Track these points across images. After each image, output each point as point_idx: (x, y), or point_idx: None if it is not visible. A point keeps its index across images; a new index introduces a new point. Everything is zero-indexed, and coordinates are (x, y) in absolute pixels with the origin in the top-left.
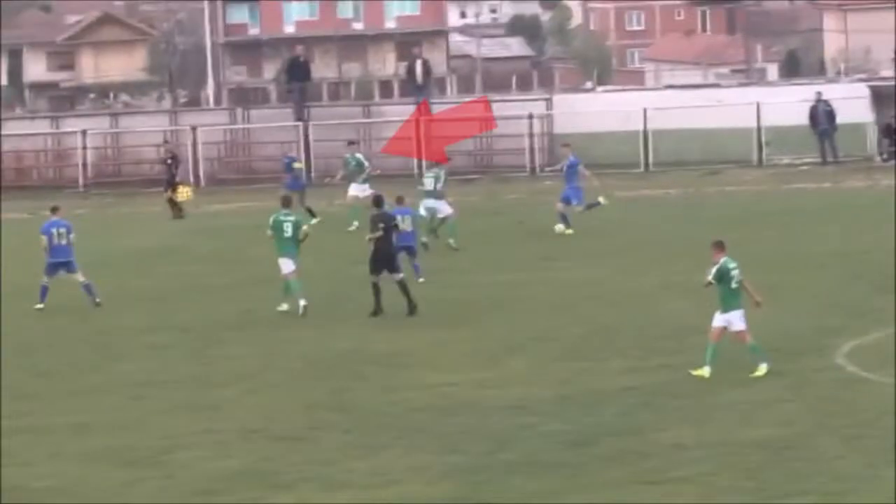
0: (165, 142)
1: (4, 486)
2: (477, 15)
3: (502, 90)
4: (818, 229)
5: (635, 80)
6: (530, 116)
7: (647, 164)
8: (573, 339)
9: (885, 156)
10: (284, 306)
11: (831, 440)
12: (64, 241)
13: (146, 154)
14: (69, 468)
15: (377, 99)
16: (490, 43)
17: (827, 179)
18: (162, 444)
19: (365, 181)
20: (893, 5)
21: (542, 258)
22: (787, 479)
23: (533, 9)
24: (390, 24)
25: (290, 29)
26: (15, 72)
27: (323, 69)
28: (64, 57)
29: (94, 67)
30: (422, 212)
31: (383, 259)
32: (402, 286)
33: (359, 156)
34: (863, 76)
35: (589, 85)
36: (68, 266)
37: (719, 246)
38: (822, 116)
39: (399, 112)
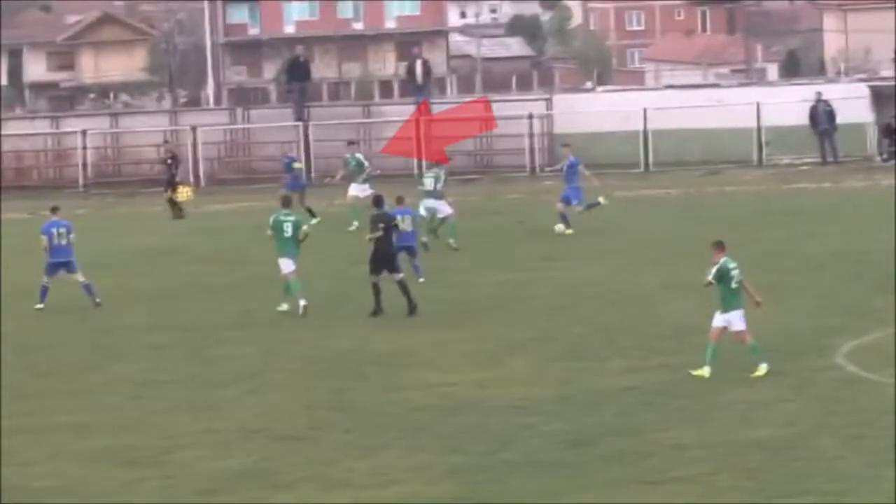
0: (165, 142)
1: (4, 487)
2: (477, 15)
3: (502, 90)
4: (818, 229)
5: (635, 80)
6: (530, 116)
7: (647, 165)
8: (573, 339)
9: (885, 156)
10: (284, 306)
11: (831, 440)
12: (64, 242)
13: (146, 154)
14: (69, 468)
15: (377, 99)
16: (490, 43)
17: (827, 179)
18: (162, 444)
19: (365, 181)
20: (893, 5)
21: (543, 258)
22: (787, 479)
23: (533, 9)
24: (390, 24)
25: (290, 29)
26: (15, 72)
27: (323, 69)
28: (64, 57)
29: (94, 67)
30: (422, 212)
31: (383, 259)
32: (402, 286)
33: (359, 156)
34: (863, 76)
35: (589, 85)
36: (68, 266)
37: (719, 246)
38: (822, 116)
39: (399, 112)
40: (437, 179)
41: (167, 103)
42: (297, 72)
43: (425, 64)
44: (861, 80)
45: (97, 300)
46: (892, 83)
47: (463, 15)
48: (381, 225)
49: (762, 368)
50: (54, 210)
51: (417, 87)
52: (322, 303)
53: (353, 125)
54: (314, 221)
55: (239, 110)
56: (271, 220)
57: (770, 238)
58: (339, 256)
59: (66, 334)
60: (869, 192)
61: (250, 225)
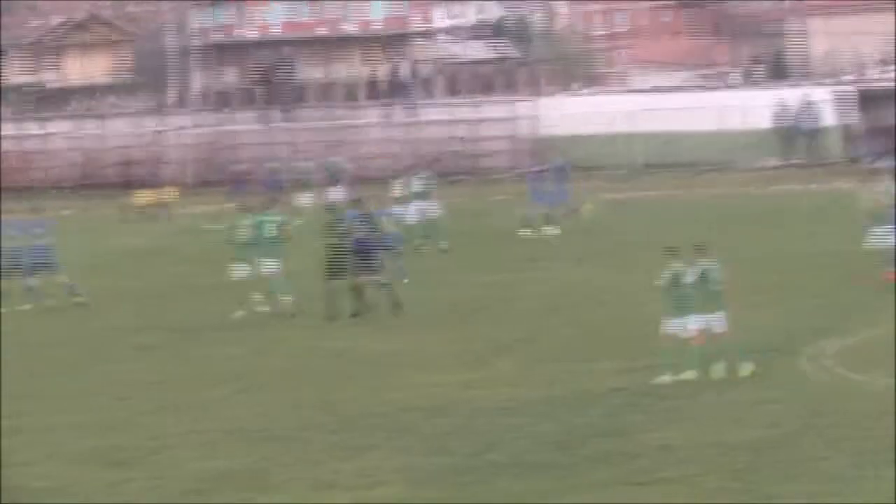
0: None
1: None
2: (463, 16)
3: (488, 92)
4: (804, 230)
5: (620, 82)
6: (516, 118)
7: (632, 166)
8: (560, 339)
9: (870, 158)
10: (266, 307)
11: (817, 441)
12: (44, 242)
13: (132, 155)
14: (58, 469)
15: (363, 101)
16: (476, 44)
17: (811, 181)
18: (150, 444)
19: (343, 185)
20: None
21: (530, 259)
22: (773, 480)
23: (519, 10)
24: (377, 26)
25: (276, 30)
26: None
27: (309, 71)
28: (47, 58)
29: (78, 68)
30: (411, 214)
31: (363, 261)
32: (383, 287)
33: (338, 160)
34: (847, 79)
35: (574, 87)
36: (49, 266)
37: (699, 249)
38: (806, 119)
39: (384, 114)
40: (424, 182)
41: (152, 105)
42: (283, 73)
43: (412, 66)
44: (846, 82)
45: (80, 299)
46: (878, 86)
47: (449, 17)
48: (362, 227)
49: (689, 374)
50: (34, 211)
51: (403, 89)
52: (310, 303)
53: (338, 127)
54: (298, 222)
55: (224, 112)
56: (255, 220)
57: (756, 240)
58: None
59: (54, 335)
60: (855, 194)
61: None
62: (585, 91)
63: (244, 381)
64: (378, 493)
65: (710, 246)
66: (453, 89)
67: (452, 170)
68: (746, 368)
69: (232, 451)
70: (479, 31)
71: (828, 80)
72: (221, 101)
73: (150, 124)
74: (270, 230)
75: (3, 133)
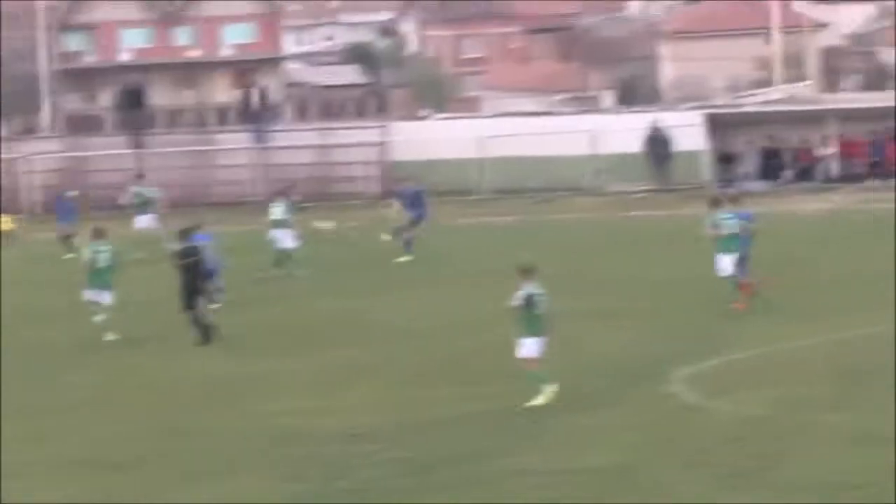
0: None
1: None
2: (313, 42)
3: (339, 118)
4: (655, 256)
5: (471, 107)
6: (366, 144)
7: (483, 192)
8: (412, 365)
9: (720, 183)
10: (111, 335)
11: (670, 467)
12: None
13: None
14: None
15: (213, 126)
16: (326, 70)
17: (662, 207)
18: None
19: (152, 213)
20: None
21: (382, 285)
22: None
23: (369, 36)
24: (226, 52)
25: (125, 57)
26: None
27: (158, 97)
28: None
29: None
30: (273, 240)
31: (190, 291)
32: (199, 318)
33: (146, 189)
34: (697, 104)
35: (425, 113)
36: None
37: (526, 272)
38: (657, 144)
39: (235, 140)
40: (283, 209)
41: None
42: (132, 100)
43: (261, 92)
44: (695, 108)
45: None
46: (727, 111)
47: (299, 43)
48: (187, 258)
49: (538, 400)
50: None
51: (253, 115)
52: (162, 330)
53: (188, 153)
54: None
55: (74, 138)
56: (87, 251)
57: (606, 265)
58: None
59: None
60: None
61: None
62: (438, 116)
63: (95, 408)
64: None
65: (538, 270)
66: (305, 115)
67: (304, 196)
68: (540, 398)
69: (79, 480)
70: (331, 58)
71: (680, 106)
72: (73, 126)
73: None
74: (105, 259)
75: None
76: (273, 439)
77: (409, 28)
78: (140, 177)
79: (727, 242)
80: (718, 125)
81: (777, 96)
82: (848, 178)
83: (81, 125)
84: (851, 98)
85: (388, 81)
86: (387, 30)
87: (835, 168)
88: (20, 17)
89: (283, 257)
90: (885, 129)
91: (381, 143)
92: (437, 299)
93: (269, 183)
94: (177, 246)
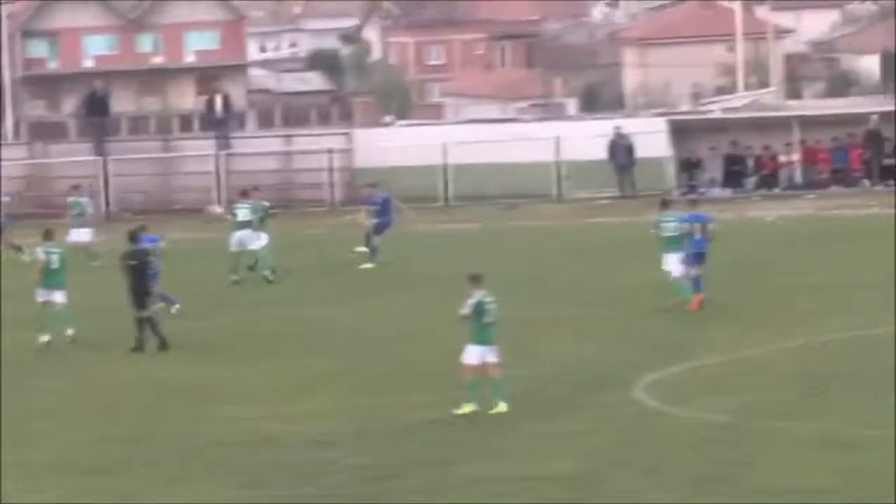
0: None
1: None
2: (276, 49)
3: (302, 124)
4: (618, 263)
5: (435, 114)
6: (330, 151)
7: (447, 199)
8: (375, 372)
9: (683, 190)
10: (45, 337)
11: (630, 474)
12: None
13: None
14: None
15: (177, 133)
16: (289, 77)
17: (626, 213)
18: None
19: (86, 226)
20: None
21: (344, 292)
22: None
23: (332, 43)
24: (190, 59)
25: (89, 63)
26: None
27: (122, 103)
28: None
29: None
30: (232, 246)
31: (138, 293)
32: (150, 323)
33: (82, 200)
34: (661, 111)
35: (388, 119)
36: None
37: (475, 280)
38: (620, 151)
39: (199, 146)
40: (251, 211)
41: None
42: (96, 106)
43: (225, 98)
44: (659, 114)
45: None
46: (691, 118)
47: (262, 49)
48: (134, 261)
49: (501, 406)
50: None
51: (217, 122)
52: (126, 336)
53: (152, 159)
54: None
55: (38, 145)
56: (39, 252)
57: (570, 272)
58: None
59: None
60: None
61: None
62: (402, 123)
63: (61, 414)
64: None
65: (487, 277)
66: (269, 122)
67: (268, 202)
68: (501, 406)
69: (56, 485)
70: (295, 64)
71: (643, 112)
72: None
73: None
74: (56, 260)
75: None
76: (238, 445)
77: (372, 35)
78: (76, 187)
79: (669, 243)
80: (682, 132)
81: (740, 103)
82: (811, 184)
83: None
84: (815, 105)
85: (351, 88)
86: (350, 37)
87: (798, 175)
88: None
89: (251, 259)
90: (849, 135)
91: (345, 150)
92: (402, 306)
93: (232, 190)
94: (125, 248)
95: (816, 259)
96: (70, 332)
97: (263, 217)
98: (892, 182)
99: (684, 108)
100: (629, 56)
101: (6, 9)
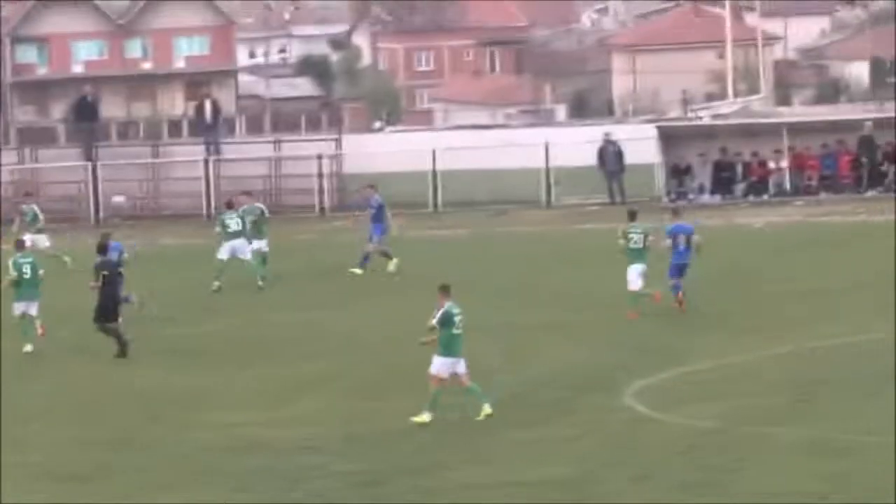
0: None
1: None
2: (266, 55)
3: (291, 130)
4: (607, 269)
5: (424, 120)
6: (319, 156)
7: (436, 205)
8: (363, 377)
9: (673, 196)
10: (29, 347)
11: (619, 479)
12: None
13: None
14: None
15: (166, 139)
16: (279, 83)
17: (615, 220)
18: None
19: (40, 232)
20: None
21: (334, 297)
22: None
23: (322, 49)
24: (179, 64)
25: (78, 69)
26: None
27: (111, 109)
28: None
29: None
30: (221, 255)
31: (106, 307)
32: (115, 332)
33: (35, 207)
34: (650, 117)
35: (378, 125)
36: None
37: (445, 291)
38: (610, 157)
39: (188, 152)
40: (242, 220)
41: None
42: (85, 112)
43: (214, 104)
44: (649, 120)
45: None
46: (680, 124)
47: (252, 55)
48: (104, 273)
49: (486, 408)
50: None
51: (206, 127)
52: (112, 341)
53: (141, 165)
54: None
55: (27, 150)
56: (10, 262)
57: (560, 277)
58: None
59: None
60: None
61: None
62: (391, 129)
63: (47, 419)
64: None
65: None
66: (258, 127)
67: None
68: (486, 409)
69: (36, 490)
70: (284, 70)
71: (632, 119)
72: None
73: None
74: (28, 270)
75: None
76: (226, 450)
77: (362, 41)
78: (28, 195)
79: (633, 254)
80: (671, 138)
81: (730, 109)
82: (800, 191)
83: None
84: (803, 112)
85: (341, 94)
86: (339, 42)
87: (787, 181)
88: None
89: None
90: (838, 142)
91: (335, 156)
92: (391, 311)
93: (222, 195)
94: (96, 260)
95: (805, 265)
96: (29, 347)
97: (259, 221)
98: (881, 188)
99: (673, 114)
100: (618, 62)
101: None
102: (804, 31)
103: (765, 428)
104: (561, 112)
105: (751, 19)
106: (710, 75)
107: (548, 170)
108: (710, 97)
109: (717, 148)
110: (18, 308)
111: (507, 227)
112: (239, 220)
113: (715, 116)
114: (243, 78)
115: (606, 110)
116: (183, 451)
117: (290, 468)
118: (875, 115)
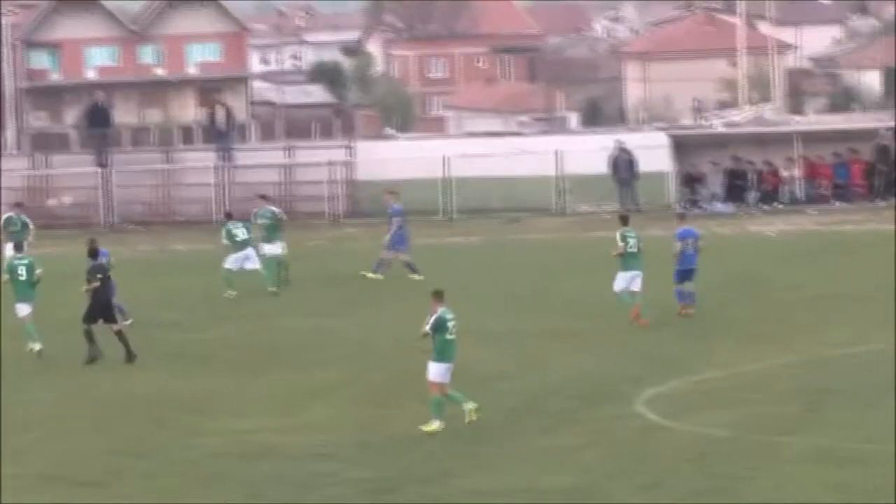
0: None
1: None
2: (279, 61)
3: (304, 137)
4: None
5: (437, 127)
6: (331, 163)
7: (448, 212)
8: (374, 384)
9: (684, 204)
10: (37, 346)
11: (628, 488)
12: None
13: None
14: None
15: (179, 145)
16: (292, 90)
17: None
18: None
19: (20, 244)
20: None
21: (343, 304)
22: None
23: (335, 56)
24: (192, 70)
25: (91, 74)
26: None
27: (124, 115)
28: None
29: None
30: (229, 263)
31: (99, 308)
32: (120, 336)
33: (24, 217)
34: (663, 125)
35: (390, 132)
36: None
37: (438, 296)
38: (622, 165)
39: (201, 158)
40: (246, 230)
41: None
42: (98, 118)
43: (227, 110)
44: (661, 128)
45: None
46: (692, 132)
47: (265, 61)
48: (98, 275)
49: (470, 404)
50: None
51: (219, 134)
52: (120, 348)
53: (154, 171)
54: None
55: (40, 156)
56: (5, 264)
57: (571, 285)
58: (137, 302)
59: None
60: (668, 241)
61: (53, 272)
62: (404, 136)
63: (56, 426)
64: None
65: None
66: (270, 134)
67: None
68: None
69: (46, 496)
70: (297, 77)
71: (645, 127)
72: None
73: None
74: (25, 271)
75: None
76: (237, 457)
77: (374, 48)
78: (18, 205)
79: (626, 260)
80: (683, 146)
81: (742, 118)
82: (813, 199)
83: (47, 143)
84: (816, 120)
85: (353, 101)
86: (352, 49)
87: (799, 190)
88: None
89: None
90: (850, 150)
91: (347, 163)
92: (403, 318)
93: (234, 202)
94: (88, 264)
95: (816, 273)
96: (38, 346)
97: (272, 225)
98: (893, 197)
99: (686, 122)
100: (631, 70)
101: (9, 20)
102: (817, 39)
103: (775, 437)
104: (573, 120)
105: (764, 27)
106: (722, 83)
107: (560, 177)
108: (722, 105)
109: (729, 156)
110: (22, 309)
111: (520, 234)
112: (245, 230)
113: (727, 125)
114: (256, 84)
115: (619, 118)
116: (193, 458)
117: (303, 475)
118: (889, 123)
